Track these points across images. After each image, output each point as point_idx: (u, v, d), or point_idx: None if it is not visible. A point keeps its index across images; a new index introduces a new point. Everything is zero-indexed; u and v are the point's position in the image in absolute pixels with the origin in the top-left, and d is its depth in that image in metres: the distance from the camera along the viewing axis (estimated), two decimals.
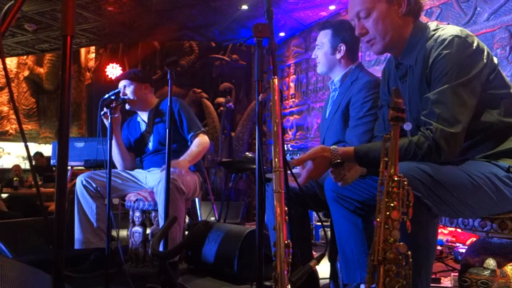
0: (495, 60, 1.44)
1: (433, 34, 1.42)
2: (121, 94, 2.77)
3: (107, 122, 2.60)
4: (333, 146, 1.44)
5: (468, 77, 1.32)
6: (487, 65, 1.37)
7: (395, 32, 1.49)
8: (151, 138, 2.84)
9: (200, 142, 2.73)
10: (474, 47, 1.36)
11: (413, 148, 1.32)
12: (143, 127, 2.91)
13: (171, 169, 2.40)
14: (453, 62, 1.33)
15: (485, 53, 1.38)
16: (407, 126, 1.33)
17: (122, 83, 2.83)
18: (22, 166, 8.06)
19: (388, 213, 1.02)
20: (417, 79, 1.46)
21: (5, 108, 9.03)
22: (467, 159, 1.40)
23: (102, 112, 2.57)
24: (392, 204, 1.02)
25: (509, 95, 1.43)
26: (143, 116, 2.92)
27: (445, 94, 1.32)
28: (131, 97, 2.79)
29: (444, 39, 1.37)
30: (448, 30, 1.40)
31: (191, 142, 2.76)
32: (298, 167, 2.20)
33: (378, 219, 1.04)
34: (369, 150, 1.38)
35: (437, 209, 1.25)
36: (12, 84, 8.93)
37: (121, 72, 6.43)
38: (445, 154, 1.30)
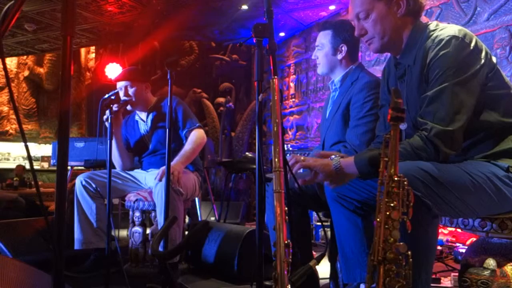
0: (494, 59, 1.43)
1: (432, 34, 1.43)
2: (122, 95, 2.74)
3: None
4: (335, 158, 1.43)
5: (465, 76, 1.33)
6: (485, 64, 1.37)
7: (393, 32, 1.51)
8: (152, 138, 2.82)
9: (194, 138, 2.67)
10: (471, 47, 1.36)
11: (410, 150, 1.32)
12: (141, 126, 2.89)
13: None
14: (450, 62, 1.34)
15: (483, 52, 1.38)
16: (402, 126, 1.33)
17: (122, 84, 2.77)
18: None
19: (388, 213, 1.02)
20: (415, 79, 1.46)
21: (5, 108, 9.02)
22: (466, 159, 1.40)
23: (105, 117, 2.52)
24: (392, 204, 1.02)
25: (509, 95, 1.42)
26: (141, 115, 2.89)
27: (442, 93, 1.33)
28: (134, 98, 2.75)
29: (442, 39, 1.37)
30: (446, 30, 1.40)
31: (186, 138, 2.71)
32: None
33: (378, 219, 1.04)
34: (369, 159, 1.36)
35: (437, 209, 1.25)
36: (12, 84, 8.91)
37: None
38: (442, 152, 1.30)
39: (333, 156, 1.43)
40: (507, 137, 1.39)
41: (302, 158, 1.44)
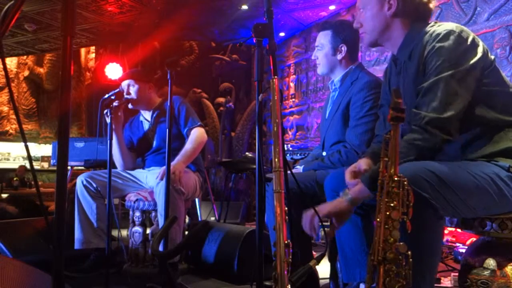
0: (492, 57, 1.44)
1: (429, 30, 1.45)
2: (124, 93, 2.77)
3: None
4: (344, 194, 1.41)
5: (461, 69, 1.34)
6: (482, 59, 1.38)
7: (381, 31, 1.56)
8: (155, 137, 2.84)
9: (195, 137, 2.68)
10: (468, 42, 1.37)
11: (407, 145, 1.31)
12: (146, 126, 2.91)
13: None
14: (446, 54, 1.35)
15: (480, 48, 1.39)
16: None
17: (126, 82, 2.81)
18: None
19: (388, 213, 1.02)
20: (412, 74, 1.47)
21: (5, 108, 9.02)
22: (464, 156, 1.40)
23: (105, 111, 2.53)
24: (392, 204, 1.02)
25: (506, 93, 1.43)
26: (146, 115, 2.92)
27: (436, 84, 1.34)
28: (135, 97, 2.78)
29: (439, 33, 1.40)
30: (443, 26, 1.43)
31: (187, 137, 2.72)
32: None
33: (378, 219, 1.04)
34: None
35: (442, 210, 1.24)
36: (12, 84, 8.91)
37: (121, 72, 6.43)
38: (439, 136, 1.29)
39: (340, 194, 1.43)
40: (506, 134, 1.39)
41: (315, 209, 1.41)
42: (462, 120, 1.36)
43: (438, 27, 1.43)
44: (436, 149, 1.32)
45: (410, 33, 1.52)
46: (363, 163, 1.51)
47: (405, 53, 1.52)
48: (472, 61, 1.35)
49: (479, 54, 1.38)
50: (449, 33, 1.38)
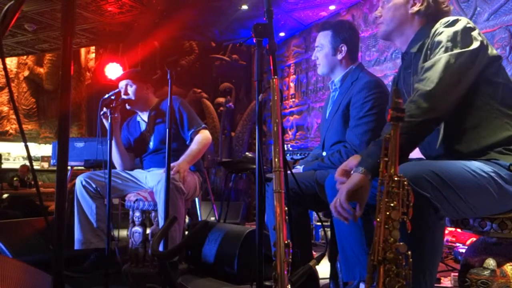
0: (495, 52, 1.46)
1: (440, 21, 1.49)
2: (122, 93, 2.77)
3: (106, 123, 2.59)
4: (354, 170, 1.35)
5: (462, 51, 1.36)
6: (486, 48, 1.41)
7: (398, 24, 1.59)
8: (152, 138, 2.83)
9: (201, 139, 2.70)
10: (475, 32, 1.41)
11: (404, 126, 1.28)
12: (143, 126, 2.90)
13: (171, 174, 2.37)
14: (451, 36, 1.39)
15: (485, 41, 1.42)
16: None
17: (123, 83, 2.81)
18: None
19: (388, 213, 1.02)
20: (421, 64, 1.48)
21: (5, 108, 9.02)
22: (466, 147, 1.40)
23: (101, 112, 2.56)
24: (392, 204, 1.02)
25: (510, 88, 1.44)
26: (143, 116, 2.91)
27: (436, 63, 1.36)
28: (132, 97, 2.78)
29: (448, 20, 1.45)
30: (453, 17, 1.48)
31: (191, 139, 2.73)
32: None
33: (378, 219, 1.04)
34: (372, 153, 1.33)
35: (443, 210, 1.24)
36: (12, 84, 8.91)
37: (121, 72, 6.43)
38: (422, 108, 1.28)
39: (352, 172, 1.40)
40: (503, 125, 1.39)
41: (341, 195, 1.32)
42: (463, 106, 1.38)
43: (447, 18, 1.48)
44: (424, 128, 1.31)
45: (422, 30, 1.55)
46: (353, 161, 1.49)
47: (415, 47, 1.55)
48: (475, 46, 1.38)
49: (484, 43, 1.41)
50: (457, 20, 1.43)
